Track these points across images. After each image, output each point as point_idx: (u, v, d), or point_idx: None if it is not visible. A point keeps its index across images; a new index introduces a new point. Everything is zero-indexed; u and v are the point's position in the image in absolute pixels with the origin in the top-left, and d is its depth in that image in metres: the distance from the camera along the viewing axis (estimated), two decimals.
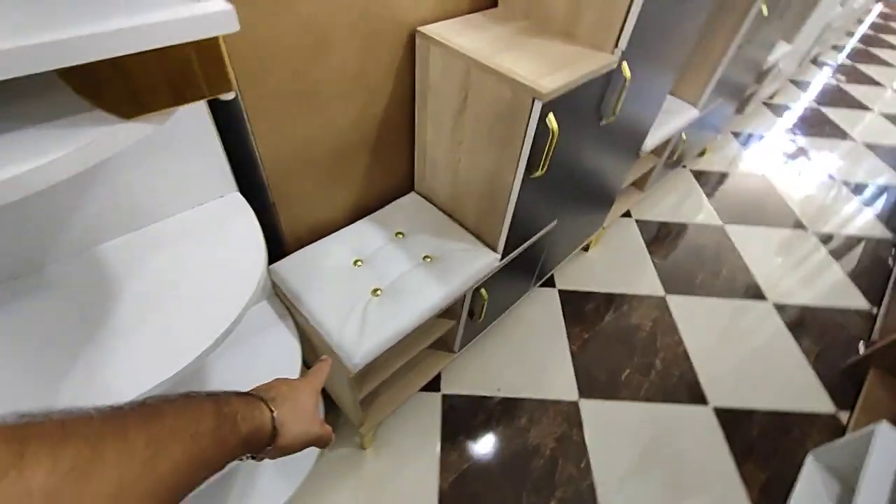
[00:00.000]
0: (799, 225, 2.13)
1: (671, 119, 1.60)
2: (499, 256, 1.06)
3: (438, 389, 1.34)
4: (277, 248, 1.01)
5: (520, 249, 1.14)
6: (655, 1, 0.84)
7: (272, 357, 0.87)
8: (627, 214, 2.05)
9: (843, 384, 1.50)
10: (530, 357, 1.47)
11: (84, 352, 0.57)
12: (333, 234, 1.04)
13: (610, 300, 1.69)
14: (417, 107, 1.01)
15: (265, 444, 0.38)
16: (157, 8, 0.30)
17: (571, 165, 1.07)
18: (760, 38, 1.64)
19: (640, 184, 1.91)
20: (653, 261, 1.86)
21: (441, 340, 1.23)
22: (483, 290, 1.10)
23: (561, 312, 1.62)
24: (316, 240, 1.03)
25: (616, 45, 0.86)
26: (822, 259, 1.98)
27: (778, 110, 2.95)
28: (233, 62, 0.68)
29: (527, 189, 0.93)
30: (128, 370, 0.56)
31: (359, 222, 1.08)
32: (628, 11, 0.81)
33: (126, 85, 0.32)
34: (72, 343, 0.57)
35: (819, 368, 1.54)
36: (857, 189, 2.40)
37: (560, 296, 1.67)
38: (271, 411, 0.39)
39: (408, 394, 1.18)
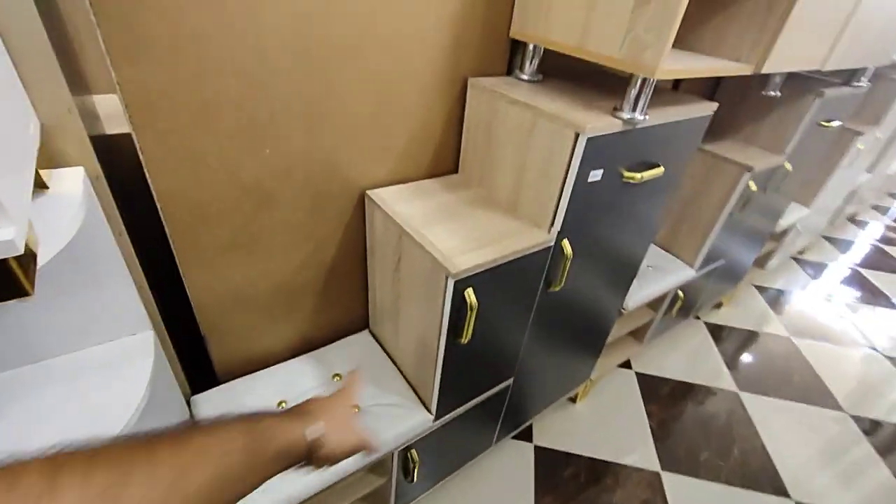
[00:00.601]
0: (835, 405, 1.85)
1: (664, 277, 1.54)
2: (432, 417, 0.98)
3: None
4: (208, 379, 1.00)
5: (462, 409, 1.06)
6: (592, 188, 0.86)
7: None
8: (627, 364, 1.90)
9: None
10: None
11: None
12: (267, 370, 1.03)
13: (593, 467, 1.49)
14: (368, 254, 1.05)
15: (302, 457, 0.41)
16: None
17: (515, 330, 1.02)
18: (758, 206, 1.61)
19: (638, 335, 1.79)
20: (650, 425, 1.66)
21: (377, 493, 1.11)
22: (413, 452, 1.01)
23: (533, 475, 1.44)
24: (252, 371, 1.02)
25: (552, 225, 0.87)
26: (864, 453, 1.67)
27: (809, 267, 2.79)
28: (166, 215, 0.76)
29: (456, 353, 0.89)
30: None
31: (299, 358, 1.07)
32: (560, 195, 0.83)
33: None
34: None
35: None
36: None
37: (535, 453, 1.50)
38: (305, 427, 0.42)
39: None
